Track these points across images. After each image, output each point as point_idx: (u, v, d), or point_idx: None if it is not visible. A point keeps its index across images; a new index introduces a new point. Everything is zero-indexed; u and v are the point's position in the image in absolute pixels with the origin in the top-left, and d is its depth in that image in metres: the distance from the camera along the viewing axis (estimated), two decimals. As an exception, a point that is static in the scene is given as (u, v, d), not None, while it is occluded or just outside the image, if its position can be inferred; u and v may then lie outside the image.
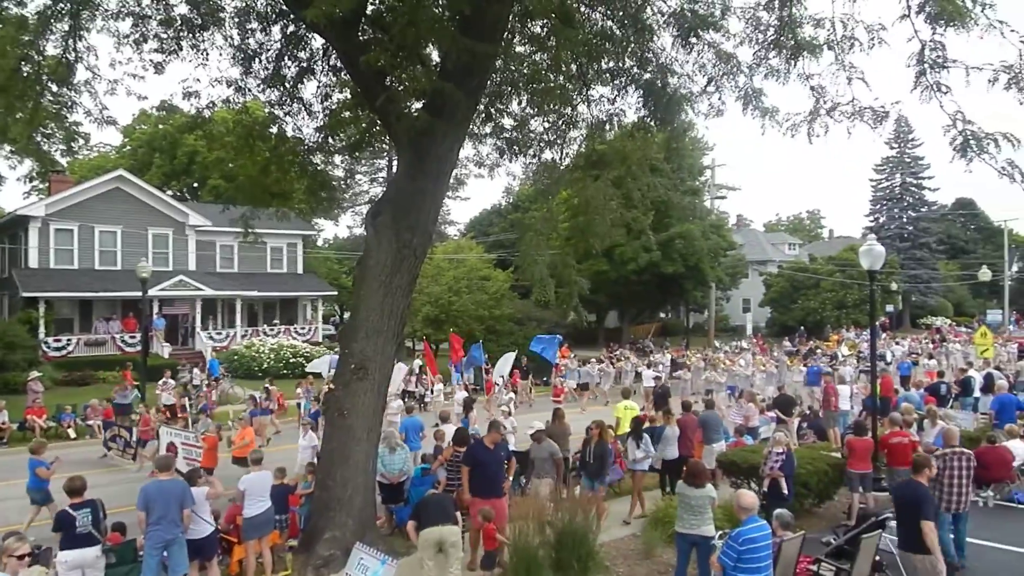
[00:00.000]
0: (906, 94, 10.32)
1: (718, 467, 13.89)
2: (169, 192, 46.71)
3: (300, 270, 43.39)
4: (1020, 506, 13.42)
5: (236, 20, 11.47)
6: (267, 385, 24.33)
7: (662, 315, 67.42)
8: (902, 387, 22.13)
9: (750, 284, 63.38)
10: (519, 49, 11.51)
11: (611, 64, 11.25)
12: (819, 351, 35.35)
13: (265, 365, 33.55)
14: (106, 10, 10.81)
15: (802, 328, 52.19)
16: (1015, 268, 68.29)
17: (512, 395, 21.52)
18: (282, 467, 11.70)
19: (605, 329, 54.69)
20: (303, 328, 40.49)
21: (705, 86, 10.91)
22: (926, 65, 9.38)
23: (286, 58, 11.78)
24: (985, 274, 49.00)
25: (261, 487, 9.96)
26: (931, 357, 32.43)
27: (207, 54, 11.40)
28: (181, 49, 11.21)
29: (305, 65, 11.93)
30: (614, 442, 15.37)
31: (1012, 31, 8.67)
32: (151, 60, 11.25)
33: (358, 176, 46.60)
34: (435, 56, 11.02)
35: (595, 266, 41.55)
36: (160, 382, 22.88)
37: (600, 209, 13.73)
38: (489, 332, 37.76)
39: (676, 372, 29.97)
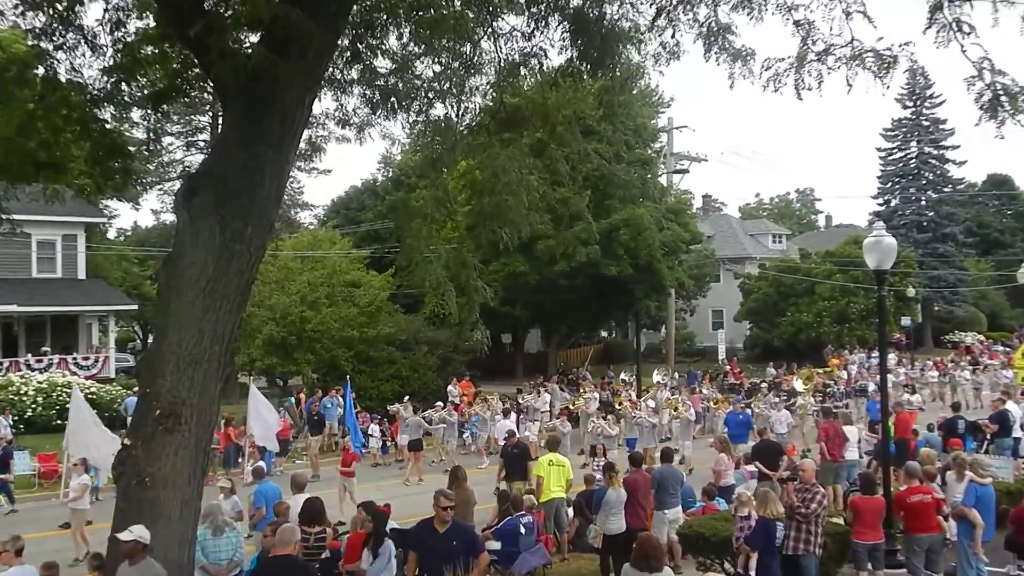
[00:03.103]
0: (920, 35, 10.86)
1: (680, 542, 14.25)
2: None
3: (82, 274, 42.01)
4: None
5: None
6: None
7: (603, 334, 68.52)
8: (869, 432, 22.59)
9: (723, 290, 65.25)
10: (398, -38, 11.53)
11: (526, -16, 11.42)
12: (763, 385, 35.68)
13: (29, 413, 32.22)
14: None
15: (829, 347, 53.40)
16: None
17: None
18: (52, 561, 11.32)
19: (524, 355, 55.10)
20: (88, 359, 39.16)
21: (654, 18, 11.18)
22: (943, -4, 9.91)
23: (57, -34, 11.40)
24: (1026, 275, 51.97)
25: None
26: (914, 391, 33.52)
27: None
28: None
29: (86, -22, 11.59)
30: (537, 513, 15.63)
31: (1050, -47, 9.27)
32: None
33: (167, 140, 45.47)
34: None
35: (508, 266, 41.89)
36: None
37: (514, 186, 13.85)
38: (361, 361, 37.44)
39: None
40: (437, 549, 10.45)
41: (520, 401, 33.25)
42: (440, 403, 29.53)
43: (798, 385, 33.79)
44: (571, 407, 32.00)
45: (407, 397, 30.78)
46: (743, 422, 25.20)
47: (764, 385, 35.76)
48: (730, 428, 24.95)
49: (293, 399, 32.82)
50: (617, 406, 29.22)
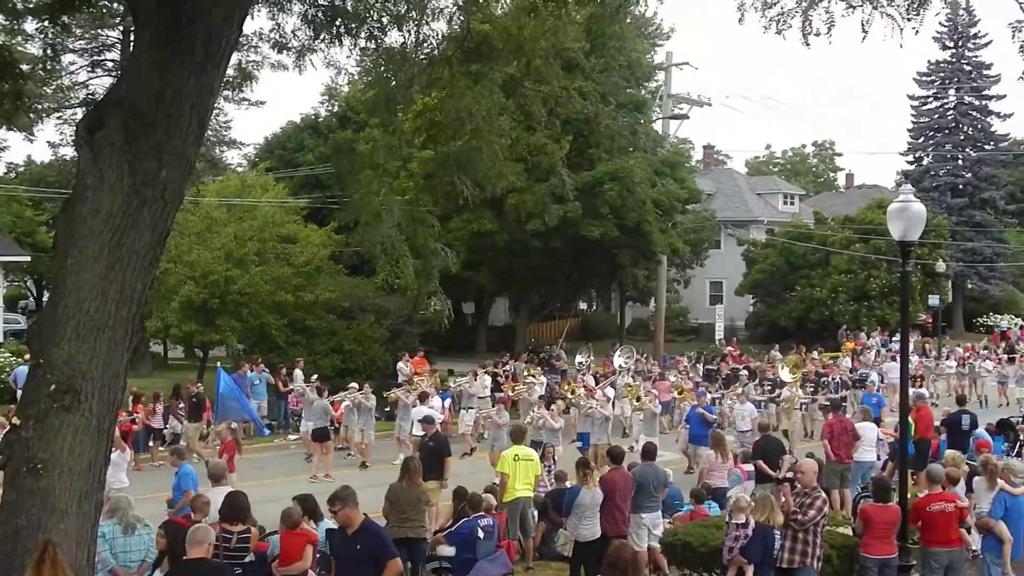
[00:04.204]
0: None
1: (662, 552, 14.42)
2: None
3: (-37, 219, 41.50)
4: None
5: None
6: None
7: (582, 306, 68.67)
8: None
9: (723, 258, 65.60)
10: None
11: None
12: (744, 374, 35.36)
13: None
14: None
15: (844, 328, 53.90)
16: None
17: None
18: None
19: (489, 328, 55.20)
20: (-33, 320, 38.87)
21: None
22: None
23: None
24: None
25: None
26: (921, 383, 33.19)
27: None
28: None
29: None
30: (499, 515, 15.77)
31: None
32: None
33: (68, 58, 44.78)
34: None
35: (472, 224, 41.84)
36: None
37: (482, 130, 13.85)
38: (295, 331, 37.40)
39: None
40: (344, 555, 10.72)
41: (451, 385, 32.66)
42: (354, 384, 28.57)
43: (784, 374, 32.44)
44: (509, 393, 31.56)
45: (315, 376, 30.54)
46: (702, 419, 24.83)
47: (744, 373, 35.40)
48: (692, 426, 25.09)
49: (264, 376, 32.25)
50: (569, 394, 28.93)
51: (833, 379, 34.20)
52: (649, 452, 16.65)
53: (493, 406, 28.80)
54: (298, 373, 31.83)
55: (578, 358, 39.75)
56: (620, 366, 35.55)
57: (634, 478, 15.52)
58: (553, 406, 25.54)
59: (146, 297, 10.34)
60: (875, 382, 33.06)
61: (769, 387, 32.68)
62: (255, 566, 12.26)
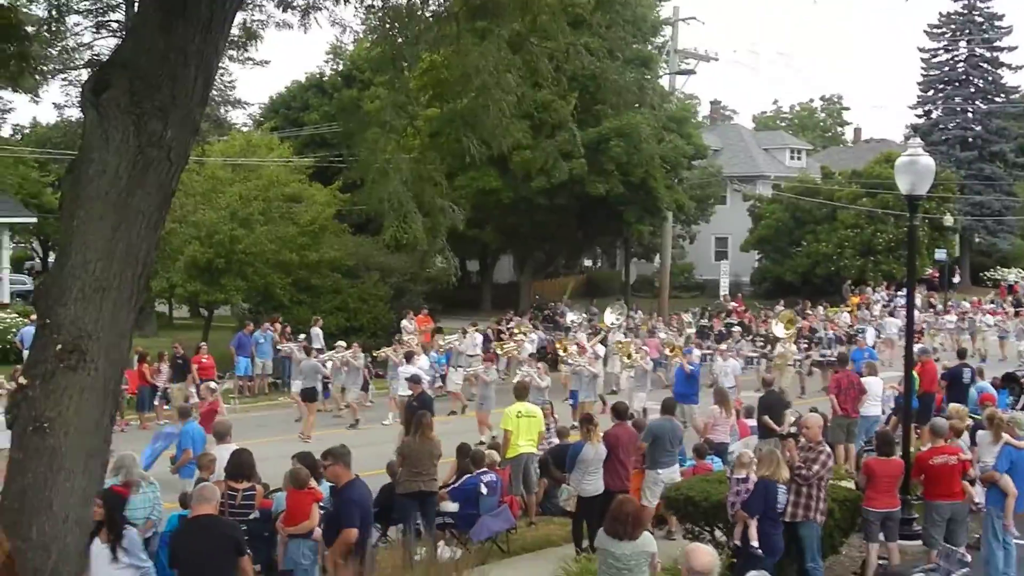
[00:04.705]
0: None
1: (665, 506, 14.53)
2: None
3: (-33, 179, 41.51)
4: None
5: None
6: None
7: (587, 263, 68.70)
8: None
9: (729, 214, 65.49)
10: None
11: None
12: (737, 329, 35.21)
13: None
14: None
15: (848, 283, 53.94)
16: None
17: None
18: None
19: (493, 285, 55.31)
20: (-26, 280, 38.96)
21: None
22: None
23: None
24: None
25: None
26: (920, 338, 32.60)
27: None
28: None
29: None
30: (502, 471, 15.92)
31: None
32: None
33: (73, 19, 44.62)
34: None
35: (478, 181, 41.78)
36: None
37: (488, 88, 13.84)
38: (300, 290, 37.53)
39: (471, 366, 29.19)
40: (328, 512, 10.88)
41: (441, 343, 32.54)
42: (342, 343, 28.62)
43: (778, 330, 32.22)
44: (498, 351, 31.50)
45: (302, 336, 30.88)
46: (691, 376, 24.65)
47: (737, 329, 35.21)
48: (677, 384, 24.80)
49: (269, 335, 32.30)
50: (561, 351, 28.94)
51: (827, 334, 34.15)
52: (668, 407, 16.60)
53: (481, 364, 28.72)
54: (316, 331, 31.99)
55: (570, 316, 39.78)
56: (612, 323, 35.19)
57: (651, 431, 15.62)
58: (540, 364, 25.62)
59: (151, 257, 10.41)
60: (866, 338, 33.06)
61: (762, 343, 32.57)
62: (260, 523, 12.41)
